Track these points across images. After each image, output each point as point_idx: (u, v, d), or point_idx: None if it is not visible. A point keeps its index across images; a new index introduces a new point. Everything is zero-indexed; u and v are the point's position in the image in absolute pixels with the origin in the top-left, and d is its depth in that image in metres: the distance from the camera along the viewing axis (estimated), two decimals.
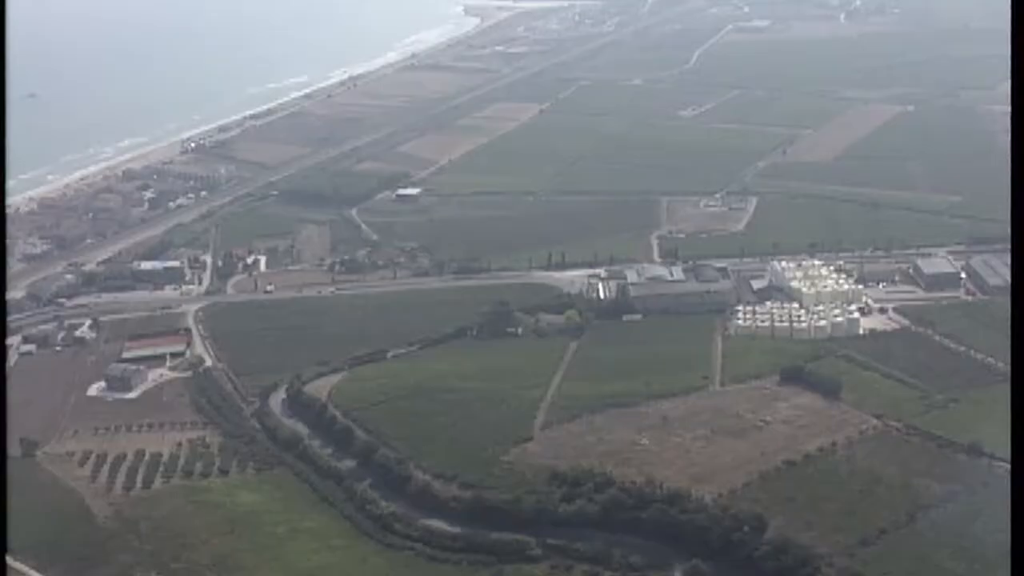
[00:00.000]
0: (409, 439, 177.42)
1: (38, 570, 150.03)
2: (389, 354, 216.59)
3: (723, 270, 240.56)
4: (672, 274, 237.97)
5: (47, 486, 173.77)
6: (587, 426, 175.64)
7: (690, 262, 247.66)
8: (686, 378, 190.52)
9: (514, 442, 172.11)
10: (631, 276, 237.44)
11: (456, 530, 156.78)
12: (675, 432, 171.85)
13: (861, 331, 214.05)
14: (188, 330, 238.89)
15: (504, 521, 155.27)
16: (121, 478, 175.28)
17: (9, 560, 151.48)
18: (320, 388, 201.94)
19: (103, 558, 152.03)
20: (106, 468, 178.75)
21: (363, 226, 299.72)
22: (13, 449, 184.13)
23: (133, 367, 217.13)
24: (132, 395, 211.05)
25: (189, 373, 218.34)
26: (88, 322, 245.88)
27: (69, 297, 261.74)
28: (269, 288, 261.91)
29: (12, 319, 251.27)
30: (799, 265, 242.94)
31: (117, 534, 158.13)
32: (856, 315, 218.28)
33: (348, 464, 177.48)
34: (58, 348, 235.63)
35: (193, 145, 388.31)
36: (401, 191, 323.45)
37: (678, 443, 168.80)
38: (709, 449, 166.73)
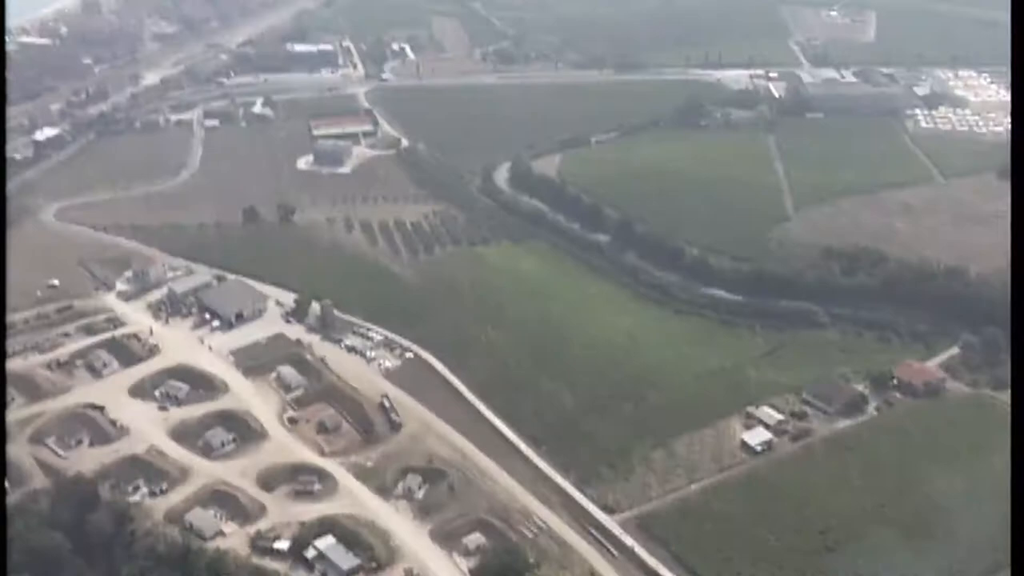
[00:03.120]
0: (663, 216, 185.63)
1: (371, 321, 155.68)
2: (592, 140, 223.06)
3: (890, 76, 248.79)
4: (843, 77, 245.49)
5: (330, 248, 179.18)
6: (836, 209, 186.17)
7: (840, 68, 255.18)
8: (906, 170, 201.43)
9: (773, 221, 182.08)
10: (805, 77, 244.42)
11: (739, 298, 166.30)
12: (921, 217, 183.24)
13: None
14: (370, 111, 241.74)
15: (785, 291, 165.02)
16: (399, 244, 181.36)
17: (338, 313, 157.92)
18: (542, 167, 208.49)
19: (428, 315, 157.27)
20: (376, 234, 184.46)
21: (493, 20, 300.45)
22: (270, 215, 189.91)
23: (342, 143, 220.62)
24: (344, 170, 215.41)
25: (392, 152, 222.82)
26: (260, 100, 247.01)
27: (227, 77, 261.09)
28: (385, 76, 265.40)
29: (176, 94, 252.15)
30: (956, 75, 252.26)
31: (430, 293, 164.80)
32: None
33: (602, 238, 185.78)
34: (243, 124, 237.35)
35: None
36: None
37: (929, 227, 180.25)
38: (959, 233, 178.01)
